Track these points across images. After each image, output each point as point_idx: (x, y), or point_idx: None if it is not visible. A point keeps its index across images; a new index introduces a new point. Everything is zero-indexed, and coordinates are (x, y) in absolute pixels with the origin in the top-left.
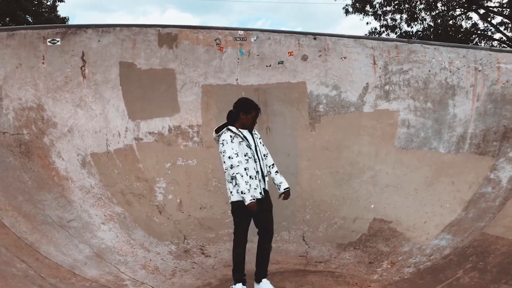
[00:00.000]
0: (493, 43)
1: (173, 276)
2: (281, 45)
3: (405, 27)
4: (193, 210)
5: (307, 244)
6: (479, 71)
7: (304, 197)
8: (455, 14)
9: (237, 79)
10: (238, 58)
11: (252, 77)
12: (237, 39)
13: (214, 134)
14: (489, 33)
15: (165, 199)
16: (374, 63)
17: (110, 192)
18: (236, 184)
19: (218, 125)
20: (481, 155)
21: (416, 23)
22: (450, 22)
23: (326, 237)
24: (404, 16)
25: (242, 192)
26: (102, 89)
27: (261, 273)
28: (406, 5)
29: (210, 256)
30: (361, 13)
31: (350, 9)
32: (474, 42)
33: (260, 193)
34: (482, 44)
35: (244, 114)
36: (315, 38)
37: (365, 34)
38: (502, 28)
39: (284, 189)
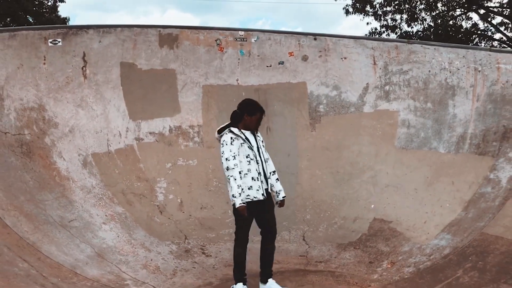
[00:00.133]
0: (493, 43)
1: (174, 275)
2: (281, 46)
3: (405, 27)
4: (193, 210)
5: (308, 244)
6: (479, 71)
7: (304, 197)
8: (455, 14)
9: (237, 80)
10: (239, 59)
11: (252, 78)
12: (238, 39)
13: (216, 135)
14: (489, 33)
15: (166, 199)
16: (374, 64)
17: (111, 192)
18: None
19: (219, 125)
20: (480, 155)
21: (416, 23)
22: (450, 22)
23: (326, 237)
24: (404, 16)
25: (233, 196)
26: (103, 89)
27: (266, 273)
28: (406, 5)
29: (210, 255)
30: (362, 13)
31: (350, 9)
32: (474, 42)
33: (262, 194)
34: (482, 44)
35: (248, 115)
36: (315, 39)
37: (365, 34)
38: (502, 28)
39: (282, 197)
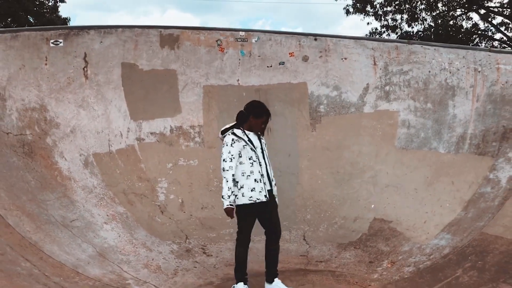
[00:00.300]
0: (494, 43)
1: (175, 275)
2: (282, 46)
3: (405, 27)
4: (194, 210)
5: (308, 244)
6: (479, 72)
7: (304, 197)
8: (455, 15)
9: (238, 80)
10: (239, 59)
11: (253, 78)
12: (238, 40)
13: (220, 135)
14: (490, 34)
15: (167, 199)
16: (375, 64)
17: (113, 192)
18: (241, 187)
19: (219, 125)
20: (480, 155)
21: (416, 23)
22: (451, 22)
23: (326, 237)
24: (405, 16)
25: (222, 197)
26: (104, 89)
27: (271, 273)
28: (407, 6)
29: (211, 255)
30: (362, 13)
31: (351, 9)
32: (475, 42)
33: (265, 195)
34: (483, 45)
35: (254, 117)
36: (315, 39)
37: (366, 35)
38: (502, 29)
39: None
